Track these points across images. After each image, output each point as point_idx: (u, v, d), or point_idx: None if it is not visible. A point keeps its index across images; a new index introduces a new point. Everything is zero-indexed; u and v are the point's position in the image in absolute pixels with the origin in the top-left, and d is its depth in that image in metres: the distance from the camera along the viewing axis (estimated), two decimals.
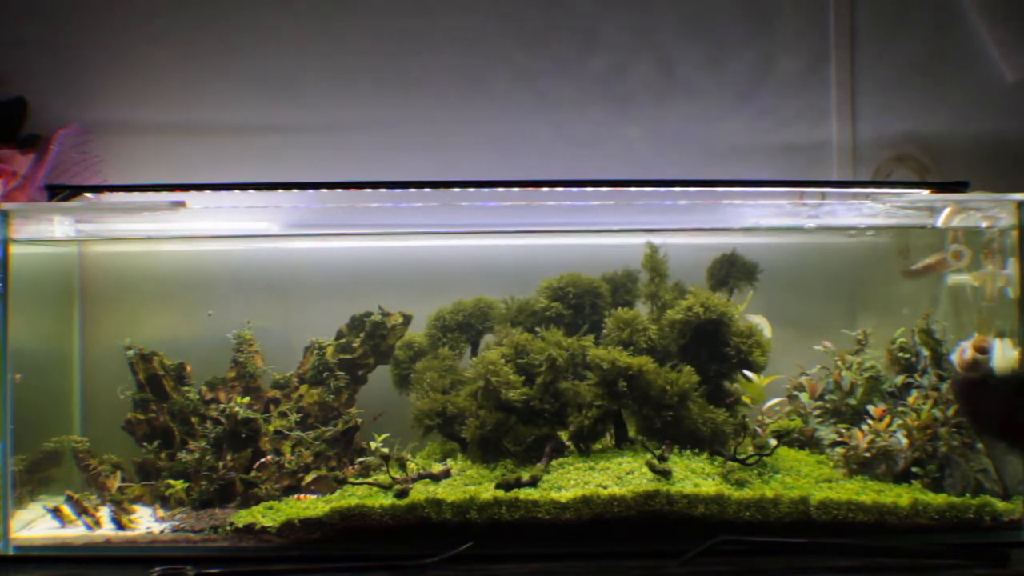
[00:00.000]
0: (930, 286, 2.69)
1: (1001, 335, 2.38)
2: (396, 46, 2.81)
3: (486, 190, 2.41)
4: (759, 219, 2.67)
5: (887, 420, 2.40)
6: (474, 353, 2.71)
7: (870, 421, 2.43)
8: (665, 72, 2.83)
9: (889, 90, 2.86)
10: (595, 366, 2.38)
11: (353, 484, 2.34)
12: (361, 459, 2.46)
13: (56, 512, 2.29)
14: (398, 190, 2.37)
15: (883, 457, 2.36)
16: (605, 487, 2.17)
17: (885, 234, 2.82)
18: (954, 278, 2.59)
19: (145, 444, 2.51)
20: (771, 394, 2.61)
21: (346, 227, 2.71)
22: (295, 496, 2.36)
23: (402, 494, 2.19)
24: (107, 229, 2.62)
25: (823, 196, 2.62)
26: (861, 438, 2.38)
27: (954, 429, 2.34)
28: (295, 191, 2.42)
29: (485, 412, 2.41)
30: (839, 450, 2.42)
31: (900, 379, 2.57)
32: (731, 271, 2.71)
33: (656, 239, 2.70)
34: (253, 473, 2.43)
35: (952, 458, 2.33)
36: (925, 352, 2.55)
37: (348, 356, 2.67)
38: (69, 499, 2.29)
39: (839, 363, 2.62)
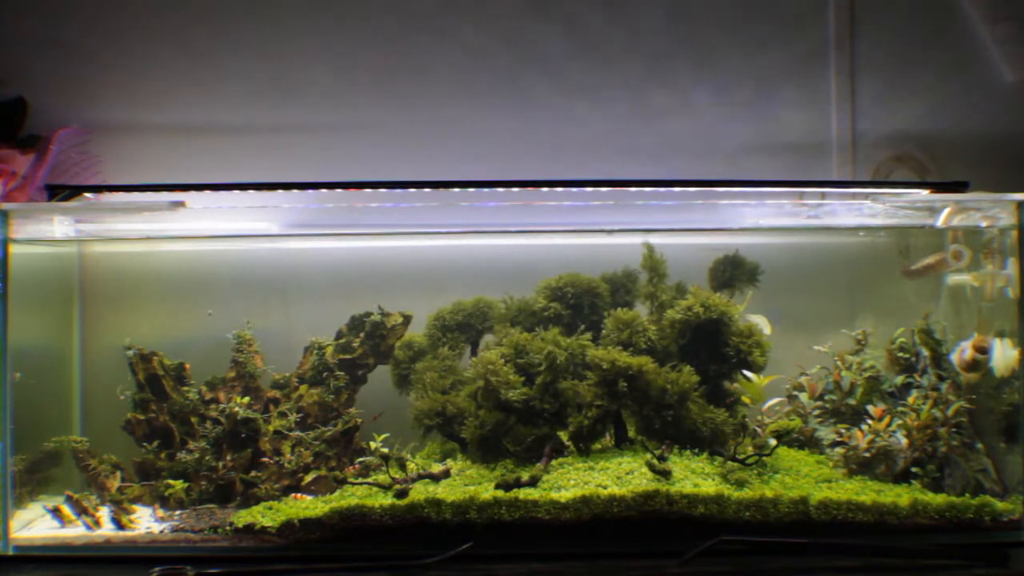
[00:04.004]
0: (930, 286, 2.69)
1: (1001, 335, 2.38)
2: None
3: (486, 190, 2.41)
4: (759, 219, 2.67)
5: (887, 420, 2.40)
6: (474, 353, 2.71)
7: (870, 421, 2.43)
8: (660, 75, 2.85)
9: (889, 90, 2.86)
10: (595, 366, 2.38)
11: (353, 484, 2.34)
12: (361, 459, 2.46)
13: (56, 512, 2.29)
14: (398, 190, 2.37)
15: (883, 457, 2.36)
16: (605, 487, 2.17)
17: (877, 234, 2.83)
18: (954, 278, 2.60)
19: (145, 444, 2.51)
20: (771, 394, 2.61)
21: (346, 227, 2.71)
22: (292, 495, 2.36)
23: (402, 494, 2.19)
24: (107, 229, 2.62)
25: (823, 196, 2.62)
26: (861, 438, 2.38)
27: (954, 429, 2.34)
28: (295, 191, 2.41)
29: (485, 412, 2.41)
30: (839, 450, 2.42)
31: (900, 379, 2.57)
32: (734, 273, 2.71)
33: (656, 239, 2.70)
34: (253, 473, 2.43)
35: (952, 458, 2.34)
36: (925, 352, 2.55)
37: (348, 356, 2.67)
38: (69, 499, 2.29)
39: (839, 363, 2.62)
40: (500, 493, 2.15)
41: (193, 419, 2.54)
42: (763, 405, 2.59)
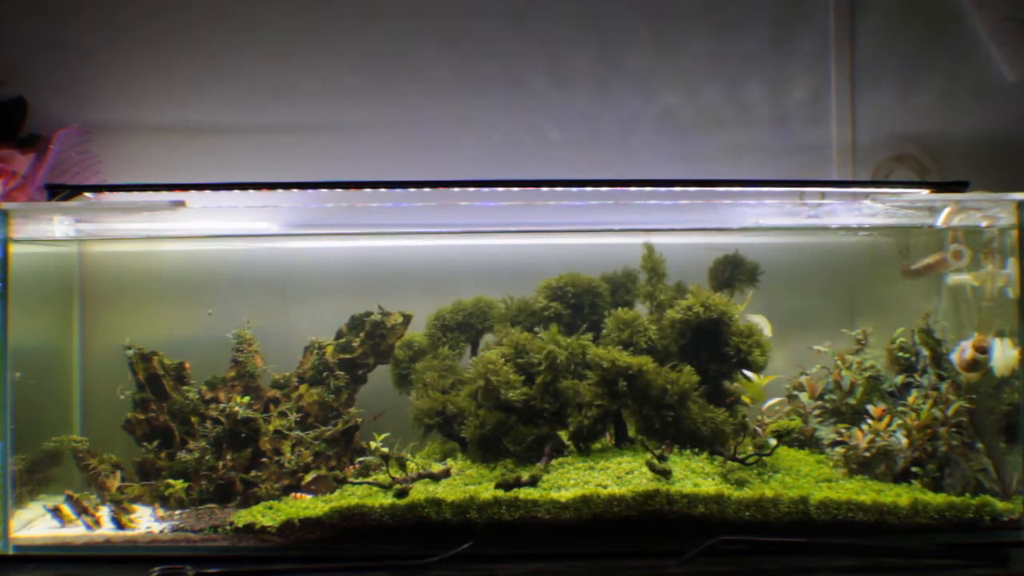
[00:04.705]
0: (930, 286, 2.69)
1: (1001, 335, 2.38)
2: None
3: (486, 190, 2.41)
4: (759, 219, 2.67)
5: (887, 420, 2.40)
6: (474, 353, 2.71)
7: (870, 421, 2.43)
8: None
9: (889, 90, 2.86)
10: (595, 366, 2.38)
11: (353, 484, 2.34)
12: (361, 459, 2.46)
13: (56, 512, 2.29)
14: (398, 190, 2.37)
15: (883, 457, 2.36)
16: (605, 487, 2.17)
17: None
18: (954, 278, 2.59)
19: (145, 444, 2.51)
20: (771, 394, 2.61)
21: (346, 227, 2.71)
22: (292, 495, 2.36)
23: (402, 494, 2.19)
24: (107, 229, 2.62)
25: (823, 196, 2.62)
26: (861, 438, 2.38)
27: (954, 429, 2.34)
28: (295, 191, 2.41)
29: (485, 412, 2.41)
30: (839, 450, 2.42)
31: (900, 379, 2.57)
32: (734, 273, 2.71)
33: (656, 239, 2.70)
34: (253, 473, 2.43)
35: (952, 458, 2.33)
36: (925, 352, 2.55)
37: (348, 356, 2.67)
38: (69, 499, 2.29)
39: (839, 363, 2.62)
40: (500, 493, 2.15)
41: (193, 419, 2.54)
42: (763, 405, 2.59)
